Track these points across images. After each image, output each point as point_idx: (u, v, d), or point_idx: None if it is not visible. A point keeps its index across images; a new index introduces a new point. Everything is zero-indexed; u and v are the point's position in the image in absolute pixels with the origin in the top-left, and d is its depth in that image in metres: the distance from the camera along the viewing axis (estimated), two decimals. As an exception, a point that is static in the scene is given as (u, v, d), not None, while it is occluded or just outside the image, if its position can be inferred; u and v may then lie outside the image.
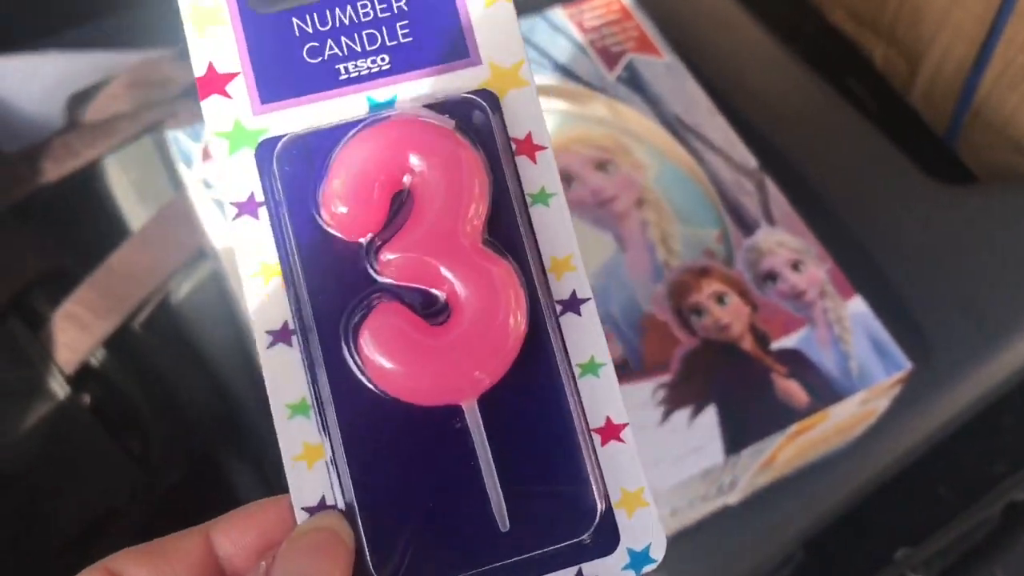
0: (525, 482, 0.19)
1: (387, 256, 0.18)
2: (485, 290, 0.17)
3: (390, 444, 0.18)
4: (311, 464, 0.19)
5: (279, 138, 0.18)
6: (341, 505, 0.19)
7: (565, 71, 0.49)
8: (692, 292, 0.43)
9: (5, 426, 0.47)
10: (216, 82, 0.19)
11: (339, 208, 0.18)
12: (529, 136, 0.18)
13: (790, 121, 0.58)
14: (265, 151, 0.18)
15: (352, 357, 0.18)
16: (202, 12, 0.18)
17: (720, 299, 0.43)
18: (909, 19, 0.65)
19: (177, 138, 0.46)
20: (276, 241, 0.18)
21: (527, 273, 0.18)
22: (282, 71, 0.19)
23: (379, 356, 0.18)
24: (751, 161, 0.47)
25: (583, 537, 0.19)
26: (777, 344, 0.42)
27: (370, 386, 0.18)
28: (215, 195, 0.44)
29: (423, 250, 0.18)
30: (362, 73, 0.19)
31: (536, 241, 0.19)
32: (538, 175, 0.18)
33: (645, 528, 0.20)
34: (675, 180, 0.48)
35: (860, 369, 0.41)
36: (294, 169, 0.18)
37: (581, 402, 0.19)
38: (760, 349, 0.42)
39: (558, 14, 0.51)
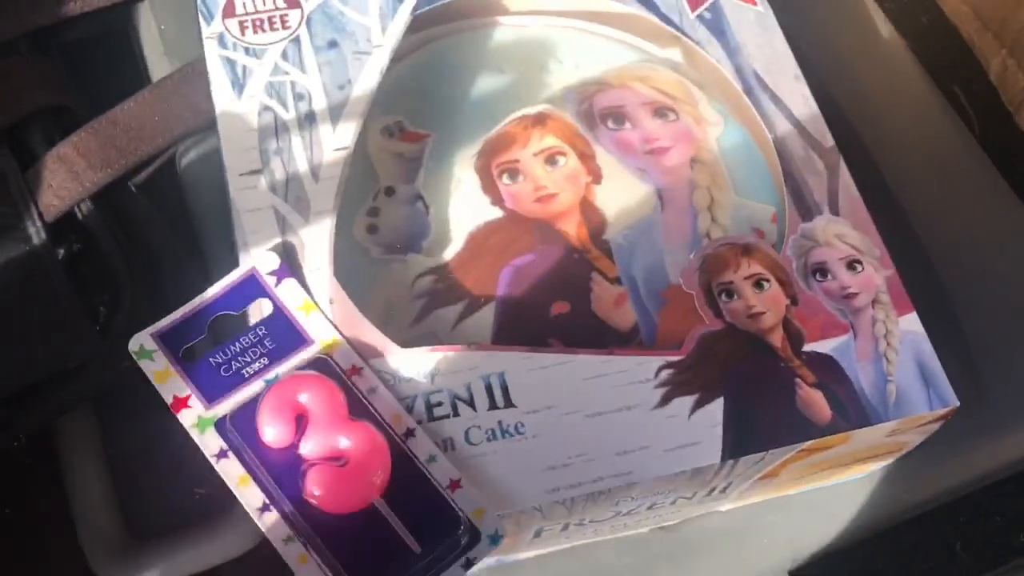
0: (421, 522, 0.32)
1: (305, 444, 0.33)
2: (371, 445, 0.33)
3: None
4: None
5: (226, 417, 0.34)
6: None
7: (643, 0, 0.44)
8: (728, 269, 0.38)
9: (-32, 260, 0.43)
10: (181, 403, 0.34)
11: (268, 433, 0.33)
12: (353, 365, 0.35)
13: (880, 109, 0.52)
14: (222, 423, 0.34)
15: (300, 498, 0.32)
16: (159, 373, 0.34)
17: (758, 283, 0.38)
18: (1041, 30, 0.59)
19: (204, -14, 0.41)
20: (242, 462, 0.33)
21: (379, 423, 0.34)
22: (212, 384, 0.34)
23: (319, 491, 0.32)
24: (828, 139, 0.41)
25: (460, 533, 0.33)
26: (810, 347, 0.36)
27: (316, 511, 0.32)
28: (227, 54, 0.40)
29: (324, 433, 0.33)
30: (256, 370, 0.34)
31: (377, 408, 0.34)
32: (367, 379, 0.34)
33: (490, 524, 0.33)
34: (738, 143, 0.42)
35: (899, 395, 0.36)
36: (242, 424, 0.33)
37: (432, 474, 0.33)
38: (790, 348, 0.36)
39: (650, -64, 0.45)
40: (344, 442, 0.33)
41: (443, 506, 0.32)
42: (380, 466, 0.32)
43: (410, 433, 0.34)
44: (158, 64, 0.51)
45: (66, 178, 0.46)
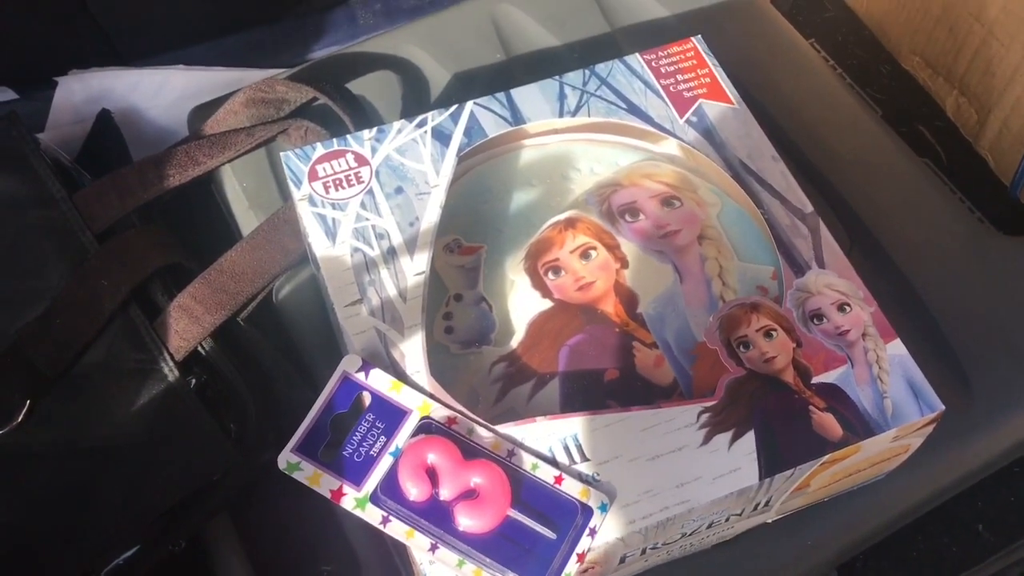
0: (548, 516, 0.42)
1: (443, 491, 0.42)
2: (490, 475, 0.42)
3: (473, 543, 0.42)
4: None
5: (376, 491, 0.42)
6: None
7: (639, 112, 0.53)
8: (742, 325, 0.47)
9: (120, 402, 0.52)
10: (337, 494, 0.42)
11: (412, 493, 0.42)
12: (448, 417, 0.44)
13: (852, 164, 0.61)
14: (375, 497, 0.42)
15: (456, 531, 0.42)
16: (311, 478, 0.43)
17: (768, 334, 0.46)
18: (982, 71, 0.68)
19: (289, 158, 0.51)
20: (402, 521, 0.42)
21: (487, 455, 0.43)
22: (354, 471, 0.43)
23: (468, 522, 0.42)
24: (808, 206, 0.50)
25: (577, 520, 0.42)
26: (817, 379, 0.45)
27: (471, 536, 0.42)
28: (318, 210, 0.49)
29: (452, 478, 0.42)
30: (380, 448, 0.43)
31: (480, 444, 0.43)
32: (463, 424, 0.44)
33: (596, 498, 0.42)
34: (736, 218, 0.51)
35: (894, 408, 0.44)
36: (390, 492, 0.42)
37: (540, 477, 0.43)
38: (801, 383, 0.45)
39: (636, 60, 0.55)
40: (470, 480, 0.42)
41: (557, 498, 0.42)
42: (502, 487, 0.42)
43: (511, 453, 0.43)
44: (244, 216, 0.61)
45: (188, 323, 0.55)
